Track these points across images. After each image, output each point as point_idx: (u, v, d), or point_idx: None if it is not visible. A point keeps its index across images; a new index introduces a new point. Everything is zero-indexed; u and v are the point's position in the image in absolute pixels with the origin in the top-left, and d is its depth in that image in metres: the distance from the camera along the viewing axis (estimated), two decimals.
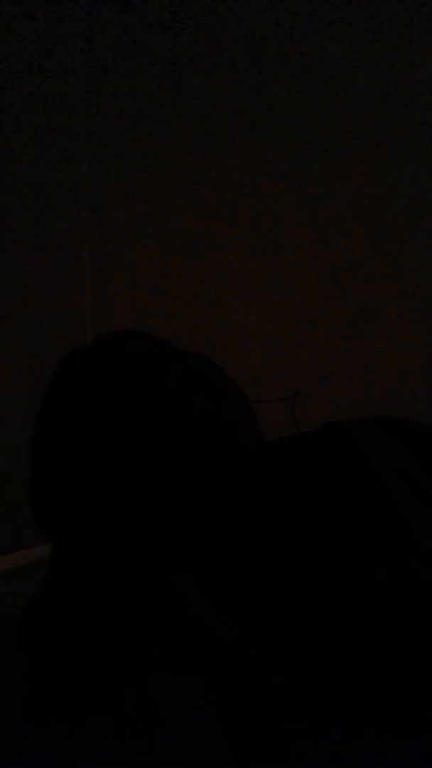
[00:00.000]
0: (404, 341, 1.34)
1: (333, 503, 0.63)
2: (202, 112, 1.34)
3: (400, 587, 0.55)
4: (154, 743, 0.46)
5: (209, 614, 0.52)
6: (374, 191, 1.34)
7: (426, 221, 1.34)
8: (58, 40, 1.28)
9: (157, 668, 0.49)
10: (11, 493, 0.74)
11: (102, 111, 1.34)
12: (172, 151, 1.35)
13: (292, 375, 1.33)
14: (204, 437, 0.60)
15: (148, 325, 0.75)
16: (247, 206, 1.35)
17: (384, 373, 1.34)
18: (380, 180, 1.34)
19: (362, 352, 1.34)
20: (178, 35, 1.33)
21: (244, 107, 1.34)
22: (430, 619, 0.52)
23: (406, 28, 1.31)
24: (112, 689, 0.48)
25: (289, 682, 0.48)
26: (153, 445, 0.60)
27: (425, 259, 1.34)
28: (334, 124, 1.33)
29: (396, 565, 0.57)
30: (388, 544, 0.59)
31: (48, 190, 1.28)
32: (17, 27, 1.22)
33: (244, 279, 1.35)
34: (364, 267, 1.34)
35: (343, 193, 1.34)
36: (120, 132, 1.35)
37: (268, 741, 0.46)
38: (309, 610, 0.53)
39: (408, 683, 0.49)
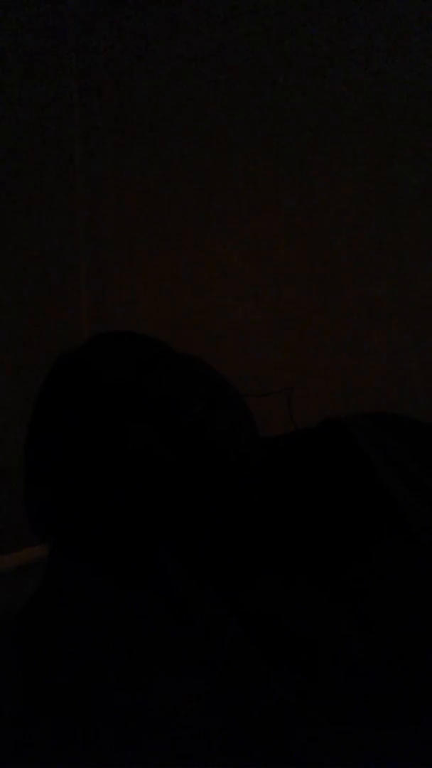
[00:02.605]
0: (402, 339, 1.34)
1: (333, 504, 0.63)
2: (200, 110, 1.34)
3: (402, 588, 0.55)
4: (155, 743, 0.46)
5: (210, 614, 0.52)
6: (373, 190, 1.34)
7: (425, 219, 1.34)
8: (52, 39, 1.28)
9: (157, 668, 0.49)
10: (11, 493, 0.74)
11: (97, 110, 1.34)
12: (169, 150, 1.35)
13: (290, 373, 1.33)
14: (201, 442, 0.60)
15: (145, 324, 0.75)
16: (245, 205, 1.35)
17: (382, 371, 1.34)
18: (379, 179, 1.34)
19: (360, 350, 1.34)
20: (173, 32, 1.32)
21: (241, 105, 1.34)
22: (429, 620, 0.53)
23: (406, 26, 1.31)
24: (111, 690, 0.48)
25: (291, 683, 0.48)
26: (149, 451, 0.60)
27: (424, 256, 1.34)
28: (333, 121, 1.33)
29: (398, 567, 0.57)
30: (389, 544, 0.59)
31: (44, 190, 1.27)
32: (10, 25, 1.22)
33: (242, 278, 1.35)
34: (363, 265, 1.34)
35: (342, 191, 1.34)
36: (116, 131, 1.34)
37: (268, 741, 0.46)
38: (310, 611, 0.53)
39: (411, 685, 0.49)
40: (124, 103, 1.34)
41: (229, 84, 1.33)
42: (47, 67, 1.27)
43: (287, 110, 1.33)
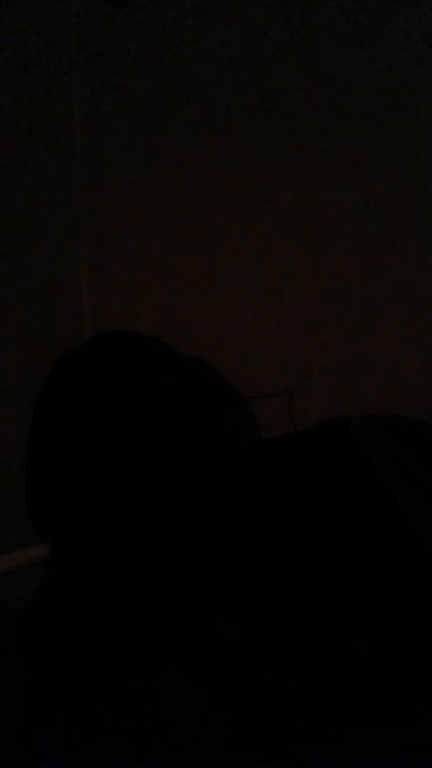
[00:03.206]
0: (403, 340, 1.34)
1: (334, 504, 0.63)
2: (200, 111, 1.34)
3: (402, 588, 0.55)
4: (156, 743, 0.46)
5: (211, 613, 0.52)
6: (373, 190, 1.34)
7: (425, 220, 1.34)
8: (54, 40, 1.28)
9: (158, 668, 0.49)
10: (11, 493, 0.74)
11: (99, 109, 1.34)
12: (170, 150, 1.35)
13: (291, 374, 1.33)
14: (202, 442, 0.59)
15: (145, 324, 0.75)
16: (246, 205, 1.35)
17: (382, 372, 1.34)
18: (379, 179, 1.34)
19: (361, 350, 1.34)
20: (174, 34, 1.33)
21: (242, 106, 1.34)
22: (430, 620, 0.53)
23: (406, 26, 1.31)
24: (111, 690, 0.48)
25: (291, 682, 0.48)
26: (151, 449, 0.59)
27: (424, 257, 1.34)
28: (334, 120, 1.33)
29: (398, 566, 0.57)
30: (389, 544, 0.59)
31: (44, 189, 1.28)
32: (12, 27, 1.22)
33: (243, 278, 1.35)
34: (363, 266, 1.34)
35: (342, 191, 1.34)
36: (117, 130, 1.35)
37: (269, 741, 0.46)
38: (310, 612, 0.53)
39: (412, 685, 0.49)
40: (124, 104, 1.34)
41: (229, 84, 1.33)
42: (47, 67, 1.27)
43: (288, 110, 1.33)
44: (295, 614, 0.53)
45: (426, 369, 1.34)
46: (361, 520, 0.61)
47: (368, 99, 1.33)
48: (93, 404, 0.62)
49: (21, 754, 0.48)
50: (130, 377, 0.62)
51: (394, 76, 1.32)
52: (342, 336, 1.34)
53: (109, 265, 1.35)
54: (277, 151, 1.34)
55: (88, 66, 1.33)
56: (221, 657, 0.49)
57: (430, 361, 1.34)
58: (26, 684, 0.52)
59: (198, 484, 0.60)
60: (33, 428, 0.67)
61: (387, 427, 0.69)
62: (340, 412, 0.73)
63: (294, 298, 1.34)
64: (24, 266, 1.24)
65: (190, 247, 1.35)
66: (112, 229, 1.35)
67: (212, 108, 1.34)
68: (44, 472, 0.65)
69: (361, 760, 0.46)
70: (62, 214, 1.30)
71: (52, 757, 0.47)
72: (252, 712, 0.47)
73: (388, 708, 0.48)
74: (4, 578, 0.96)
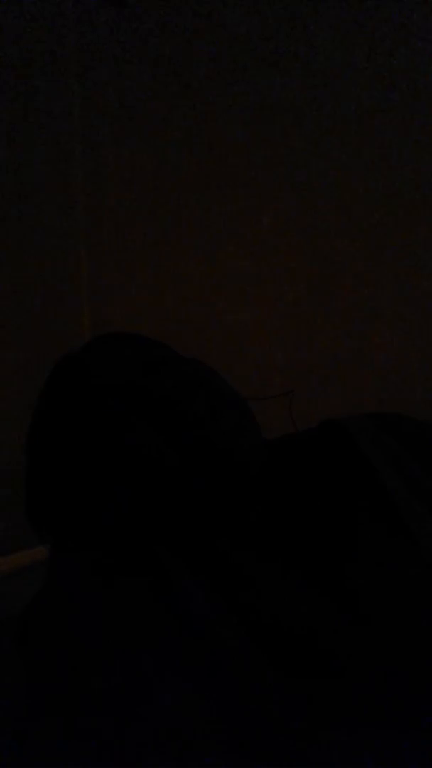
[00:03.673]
0: (402, 339, 1.34)
1: (333, 504, 0.63)
2: (199, 111, 1.34)
3: (401, 589, 0.55)
4: (156, 743, 0.46)
5: (210, 614, 0.52)
6: (373, 191, 1.34)
7: (424, 220, 1.34)
8: (51, 39, 1.28)
9: (159, 669, 0.50)
10: (11, 493, 0.74)
11: (97, 110, 1.34)
12: (169, 150, 1.35)
13: (291, 374, 1.33)
14: (204, 443, 0.60)
15: (145, 325, 0.75)
16: (246, 206, 1.35)
17: (382, 371, 1.34)
18: (379, 180, 1.34)
19: (360, 350, 1.35)
20: (172, 33, 1.33)
21: (241, 106, 1.34)
22: (429, 622, 0.53)
23: (405, 26, 1.31)
24: (112, 691, 0.49)
25: (290, 682, 0.48)
26: (152, 451, 0.60)
27: (423, 257, 1.35)
28: (333, 123, 1.33)
29: (397, 567, 0.57)
30: (388, 546, 0.59)
31: (44, 189, 1.28)
32: (9, 27, 1.22)
33: (243, 278, 1.35)
34: (363, 266, 1.35)
35: (342, 192, 1.34)
36: (116, 131, 1.35)
37: (269, 740, 0.46)
38: (309, 612, 0.53)
39: (411, 686, 0.49)
40: (124, 104, 1.34)
41: (228, 85, 1.34)
42: (47, 67, 1.27)
43: (287, 111, 1.34)
44: (294, 614, 0.53)
45: (426, 369, 1.34)
46: (360, 520, 0.61)
47: (369, 98, 1.33)
48: (93, 406, 0.62)
49: (21, 755, 0.49)
50: (131, 379, 0.62)
51: (395, 76, 1.32)
52: (342, 336, 1.35)
53: (109, 266, 1.35)
54: (277, 151, 1.35)
55: (86, 66, 1.33)
56: (221, 657, 0.49)
57: (430, 361, 1.34)
58: (27, 685, 0.53)
59: (200, 485, 0.60)
60: (33, 429, 0.67)
61: (387, 426, 0.69)
62: (340, 412, 0.73)
63: (294, 299, 1.34)
64: (25, 268, 1.24)
65: (190, 247, 1.35)
66: (112, 231, 1.35)
67: (212, 108, 1.34)
68: (44, 473, 0.65)
69: (361, 760, 0.46)
70: (62, 215, 1.30)
71: (52, 758, 0.47)
72: (251, 712, 0.47)
73: (389, 708, 0.48)
74: (5, 580, 0.96)
